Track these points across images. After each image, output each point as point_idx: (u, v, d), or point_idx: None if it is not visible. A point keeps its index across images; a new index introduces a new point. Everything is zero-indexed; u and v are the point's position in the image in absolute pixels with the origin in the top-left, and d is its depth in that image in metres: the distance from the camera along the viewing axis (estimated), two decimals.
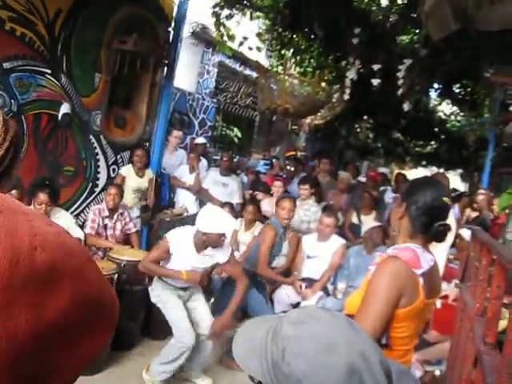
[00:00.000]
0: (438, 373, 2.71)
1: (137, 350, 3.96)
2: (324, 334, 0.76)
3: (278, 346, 0.76)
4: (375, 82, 5.75)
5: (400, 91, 5.74)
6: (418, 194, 1.67)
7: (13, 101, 4.15)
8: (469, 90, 8.80)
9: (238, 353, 0.86)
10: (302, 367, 0.72)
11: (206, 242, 3.16)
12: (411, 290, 1.55)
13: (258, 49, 7.48)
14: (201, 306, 3.53)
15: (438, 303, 3.14)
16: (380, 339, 1.53)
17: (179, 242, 3.18)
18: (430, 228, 1.63)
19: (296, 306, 4.29)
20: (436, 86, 8.57)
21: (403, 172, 9.93)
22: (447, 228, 1.65)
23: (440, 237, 1.67)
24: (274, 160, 8.61)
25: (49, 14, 4.33)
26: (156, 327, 4.20)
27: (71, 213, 4.58)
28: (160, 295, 3.39)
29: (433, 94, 10.24)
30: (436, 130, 11.74)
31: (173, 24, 5.63)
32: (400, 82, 5.56)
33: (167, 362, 3.27)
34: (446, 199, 1.64)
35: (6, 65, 4.06)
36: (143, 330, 4.12)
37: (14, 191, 3.42)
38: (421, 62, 5.59)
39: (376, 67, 5.62)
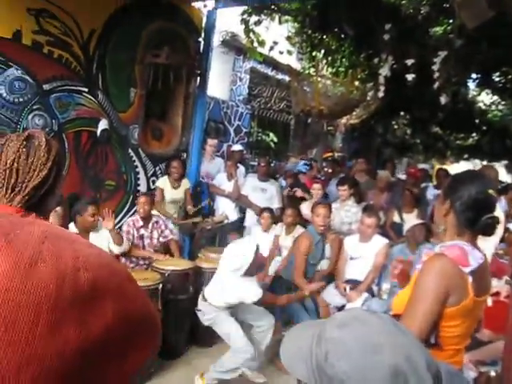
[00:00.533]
0: (493, 374, 2.60)
1: (184, 358, 4.00)
2: (368, 335, 0.76)
3: (322, 348, 0.77)
4: (409, 76, 5.64)
5: (436, 84, 5.61)
6: (461, 188, 1.62)
7: (54, 120, 4.30)
8: (509, 77, 8.50)
9: (285, 356, 0.87)
10: (345, 368, 0.72)
11: None
12: (459, 288, 1.51)
13: (289, 52, 7.48)
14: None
15: (489, 301, 3.03)
16: (428, 339, 1.49)
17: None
18: (477, 222, 1.58)
19: (341, 308, 4.23)
20: (474, 76, 8.33)
21: (444, 167, 9.68)
22: (496, 220, 1.60)
23: (489, 230, 1.61)
24: (312, 162, 8.55)
25: (83, 35, 4.47)
26: (202, 335, 4.24)
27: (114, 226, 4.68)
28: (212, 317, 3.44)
29: (471, 85, 9.97)
30: (477, 121, 11.38)
31: (203, 34, 5.70)
32: (435, 74, 5.43)
33: (224, 372, 3.31)
34: (491, 191, 1.58)
35: (46, 86, 4.22)
36: (190, 338, 4.15)
37: (58, 208, 3.52)
38: (456, 53, 5.44)
39: (409, 62, 5.52)
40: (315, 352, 0.78)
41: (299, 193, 5.98)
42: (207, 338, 4.27)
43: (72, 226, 3.75)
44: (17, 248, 0.42)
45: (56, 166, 1.33)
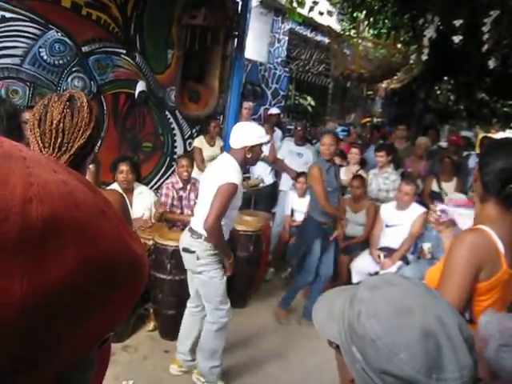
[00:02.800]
0: None
1: None
2: (399, 297, 0.77)
3: (354, 308, 0.79)
4: (456, 38, 5.37)
5: (485, 47, 5.32)
6: (490, 155, 1.58)
7: (92, 82, 4.35)
8: None
9: (318, 318, 0.89)
10: (375, 328, 0.73)
11: (251, 158, 2.91)
12: (491, 261, 1.48)
13: (329, 13, 7.25)
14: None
15: None
16: (463, 314, 1.47)
17: (240, 177, 2.89)
18: (500, 191, 1.53)
19: (374, 276, 4.23)
20: None
21: (489, 135, 9.33)
22: None
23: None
24: (350, 127, 8.39)
25: None
26: (236, 296, 4.32)
27: (151, 187, 4.77)
28: (211, 263, 2.94)
29: None
30: None
31: None
32: (485, 36, 5.15)
33: (214, 352, 3.07)
34: None
35: (85, 48, 4.25)
36: None
37: (91, 165, 3.57)
38: (509, 13, 5.13)
39: (457, 23, 5.24)
40: (347, 313, 0.80)
41: (337, 161, 5.91)
42: (241, 299, 4.37)
43: (115, 185, 3.83)
44: None
45: (97, 126, 1.38)
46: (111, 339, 0.46)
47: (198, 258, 2.91)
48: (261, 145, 2.93)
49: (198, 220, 2.89)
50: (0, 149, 0.35)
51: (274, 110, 6.92)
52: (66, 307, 0.35)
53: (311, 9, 6.60)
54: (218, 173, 2.84)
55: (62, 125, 1.29)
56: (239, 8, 5.58)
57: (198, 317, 3.18)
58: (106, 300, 0.39)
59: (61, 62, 4.12)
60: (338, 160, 5.88)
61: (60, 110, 1.30)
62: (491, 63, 5.82)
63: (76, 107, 1.33)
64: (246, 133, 2.89)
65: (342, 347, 0.80)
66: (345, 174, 5.39)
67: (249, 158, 2.90)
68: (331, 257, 4.21)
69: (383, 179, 5.15)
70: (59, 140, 1.29)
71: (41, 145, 1.30)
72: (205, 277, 2.94)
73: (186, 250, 2.97)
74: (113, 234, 0.40)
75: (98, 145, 4.44)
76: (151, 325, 3.77)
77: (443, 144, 7.27)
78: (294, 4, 6.52)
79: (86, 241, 0.36)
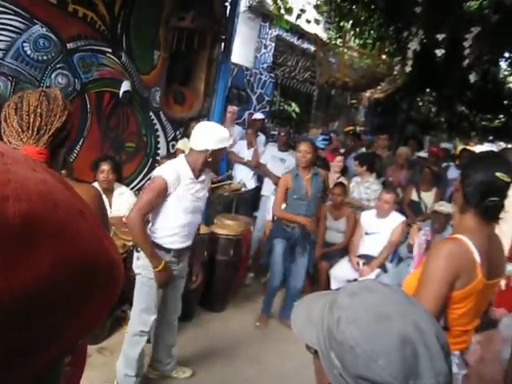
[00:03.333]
0: None
1: (194, 320, 4.08)
2: (378, 303, 0.78)
3: (334, 314, 0.79)
4: (439, 52, 5.48)
5: (466, 61, 5.44)
6: (471, 167, 1.64)
7: (76, 80, 4.31)
8: None
9: (297, 323, 0.89)
10: (354, 335, 0.74)
11: (211, 162, 2.74)
12: (467, 270, 1.52)
13: (316, 21, 7.32)
14: (181, 287, 3.11)
15: (502, 284, 3.01)
16: (437, 321, 1.50)
17: (174, 174, 2.65)
18: (480, 203, 1.58)
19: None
20: (507, 55, 8.06)
21: (468, 148, 9.49)
22: (498, 204, 1.59)
23: (491, 213, 1.61)
24: (332, 134, 8.46)
25: None
26: (215, 300, 4.32)
27: (132, 188, 4.73)
28: (148, 267, 2.75)
29: (503, 64, 9.65)
30: (505, 102, 11.08)
31: None
32: (466, 51, 5.27)
33: (126, 359, 2.91)
34: (500, 174, 1.56)
35: (70, 45, 4.21)
36: (202, 302, 4.23)
37: (63, 171, 3.49)
38: (490, 30, 5.25)
39: (440, 37, 5.35)
40: (327, 318, 0.80)
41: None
42: (220, 303, 4.36)
43: (95, 185, 3.78)
44: None
45: (71, 117, 1.47)
46: (87, 341, 0.44)
47: (138, 259, 2.81)
48: (223, 149, 2.76)
49: None
50: None
51: (259, 115, 6.94)
52: (41, 307, 0.34)
53: (298, 16, 6.66)
54: (158, 168, 2.81)
55: (39, 109, 1.37)
56: (227, 12, 5.58)
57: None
58: (82, 302, 0.38)
59: (45, 57, 4.06)
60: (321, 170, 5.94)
61: (37, 97, 1.39)
62: (472, 77, 5.96)
63: (51, 96, 1.43)
64: (210, 135, 2.69)
65: (320, 352, 0.81)
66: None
67: (209, 161, 2.73)
68: (301, 269, 4.17)
69: (364, 188, 5.21)
70: (37, 123, 1.37)
71: (19, 129, 1.36)
72: (138, 279, 2.81)
73: (135, 249, 2.85)
74: (90, 234, 0.39)
75: (80, 143, 4.40)
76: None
77: (424, 154, 7.38)
78: (282, 11, 6.58)
79: (63, 241, 0.35)
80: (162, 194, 2.62)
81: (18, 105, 1.38)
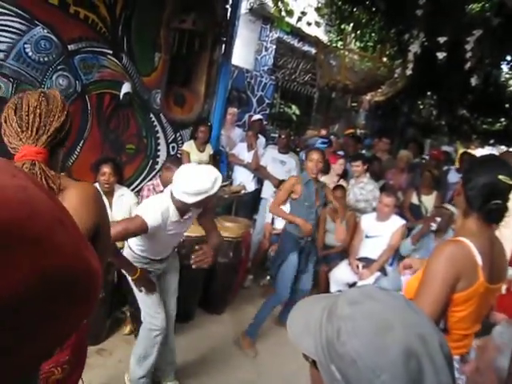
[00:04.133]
0: None
1: (194, 322, 4.08)
2: (381, 314, 0.74)
3: (334, 325, 0.75)
4: (440, 55, 5.47)
5: (467, 65, 5.44)
6: (473, 170, 1.64)
7: (77, 82, 4.30)
8: None
9: (293, 330, 0.85)
10: (356, 348, 0.70)
11: (195, 206, 2.61)
12: (469, 273, 1.52)
13: (317, 24, 7.32)
14: (174, 281, 3.12)
15: (503, 289, 3.00)
16: (438, 324, 1.50)
17: (159, 220, 2.55)
18: (482, 206, 1.58)
19: (352, 285, 4.25)
20: (508, 58, 8.05)
21: (469, 151, 9.48)
22: (501, 207, 1.58)
23: (494, 216, 1.61)
24: (332, 137, 8.46)
25: None
26: (214, 302, 4.32)
27: (132, 189, 4.72)
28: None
29: (504, 67, 9.65)
30: (506, 105, 11.08)
31: (230, 1, 5.60)
32: (468, 54, 5.26)
33: (143, 359, 2.92)
34: (502, 177, 1.56)
35: (71, 47, 4.20)
36: (201, 304, 4.22)
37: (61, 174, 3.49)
38: (492, 33, 5.24)
39: (442, 39, 5.34)
40: (325, 328, 0.76)
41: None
42: (219, 305, 4.36)
43: (97, 186, 3.77)
44: None
45: (69, 117, 1.49)
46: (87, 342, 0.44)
47: None
48: (207, 198, 2.51)
49: None
50: None
51: (256, 116, 6.96)
52: (19, 312, 0.33)
53: (299, 19, 6.66)
54: (147, 203, 2.69)
55: (38, 110, 1.39)
56: (228, 14, 5.59)
57: None
58: (60, 309, 0.37)
59: (46, 59, 4.06)
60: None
61: (36, 98, 1.41)
62: (473, 81, 5.95)
63: (50, 97, 1.45)
64: (186, 188, 2.47)
65: (319, 364, 0.77)
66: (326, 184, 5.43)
67: (192, 207, 2.63)
68: (309, 273, 4.08)
69: (359, 189, 5.19)
70: (36, 123, 1.39)
71: (18, 129, 1.38)
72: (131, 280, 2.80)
73: None
74: (70, 245, 0.38)
75: (81, 144, 4.40)
76: (127, 328, 3.72)
77: (425, 158, 7.38)
78: (283, 13, 6.57)
79: (41, 251, 0.34)
80: (139, 232, 2.53)
81: (17, 105, 1.40)
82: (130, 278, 2.76)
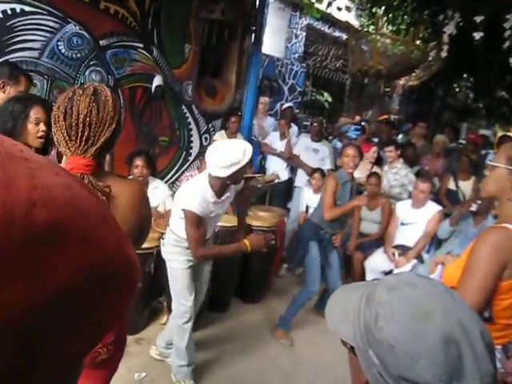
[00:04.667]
0: None
1: (230, 312, 4.11)
2: (419, 300, 0.74)
3: (372, 310, 0.75)
4: (477, 35, 5.28)
5: (506, 44, 5.23)
6: None
7: (109, 76, 4.37)
8: None
9: (331, 318, 0.86)
10: (394, 333, 0.70)
11: (231, 181, 2.69)
12: None
13: (348, 9, 7.19)
14: (207, 271, 3.16)
15: None
16: (482, 313, 1.45)
17: (202, 203, 2.64)
18: None
19: (388, 273, 4.19)
20: None
21: (508, 134, 9.16)
22: None
23: None
24: (364, 124, 8.31)
25: None
26: (249, 292, 4.34)
27: (166, 181, 4.78)
28: (172, 253, 2.89)
29: None
30: None
31: None
32: (507, 33, 5.06)
33: (177, 348, 2.96)
34: None
35: (103, 42, 4.27)
36: (237, 293, 4.25)
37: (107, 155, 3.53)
38: None
39: (478, 19, 5.15)
40: (363, 314, 0.77)
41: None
42: (254, 295, 4.38)
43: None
44: None
45: (120, 120, 1.44)
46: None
47: (163, 245, 2.94)
48: (242, 168, 2.59)
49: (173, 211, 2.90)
50: (1, 148, 0.33)
51: (287, 104, 6.93)
52: (66, 314, 0.34)
53: (329, 4, 6.55)
54: (185, 193, 2.73)
55: (88, 119, 1.33)
56: (257, 2, 5.55)
57: None
58: (102, 302, 0.38)
59: (78, 55, 4.14)
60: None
61: (86, 104, 1.33)
62: None
63: (101, 101, 1.37)
64: (218, 163, 2.55)
65: (357, 349, 0.78)
66: (360, 172, 5.36)
67: (229, 183, 2.70)
68: (336, 271, 3.93)
69: (393, 175, 5.10)
70: (86, 133, 1.33)
71: (67, 138, 1.33)
72: (168, 265, 2.90)
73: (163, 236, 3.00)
74: (113, 241, 0.39)
75: None
76: (164, 318, 3.78)
77: (462, 142, 7.18)
78: None
79: (88, 248, 0.35)
80: (202, 221, 2.65)
81: (67, 110, 1.34)
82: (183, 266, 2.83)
